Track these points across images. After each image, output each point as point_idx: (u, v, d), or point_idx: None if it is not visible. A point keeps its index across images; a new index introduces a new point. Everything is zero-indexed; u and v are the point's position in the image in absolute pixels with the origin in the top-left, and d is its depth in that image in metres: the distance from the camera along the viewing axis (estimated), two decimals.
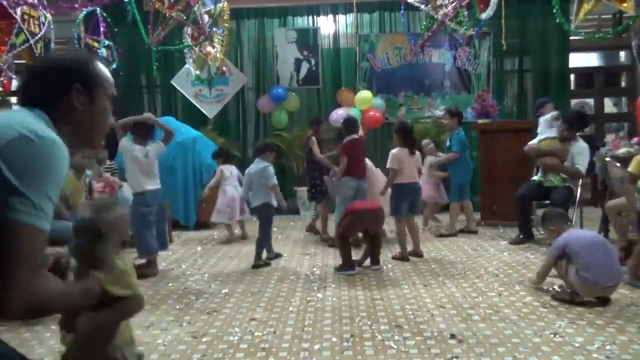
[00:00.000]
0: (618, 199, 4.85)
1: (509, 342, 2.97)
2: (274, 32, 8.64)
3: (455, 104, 7.58)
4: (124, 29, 7.08)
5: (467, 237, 6.03)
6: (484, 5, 5.88)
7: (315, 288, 4.16)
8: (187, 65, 7.49)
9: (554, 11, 5.19)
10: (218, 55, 6.93)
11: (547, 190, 5.44)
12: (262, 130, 8.78)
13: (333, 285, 4.24)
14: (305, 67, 8.62)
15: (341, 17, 8.64)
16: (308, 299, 3.89)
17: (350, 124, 5.63)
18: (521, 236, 5.63)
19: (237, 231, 6.34)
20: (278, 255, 5.25)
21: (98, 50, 6.75)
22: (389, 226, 5.82)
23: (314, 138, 6.04)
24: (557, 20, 5.31)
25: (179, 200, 6.74)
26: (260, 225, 5.03)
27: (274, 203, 5.03)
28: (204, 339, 3.13)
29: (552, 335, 3.04)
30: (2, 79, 5.37)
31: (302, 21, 8.68)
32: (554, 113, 6.09)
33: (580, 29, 5.67)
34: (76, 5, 6.30)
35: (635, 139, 6.34)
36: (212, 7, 6.26)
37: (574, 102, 9.19)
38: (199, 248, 5.91)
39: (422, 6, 6.29)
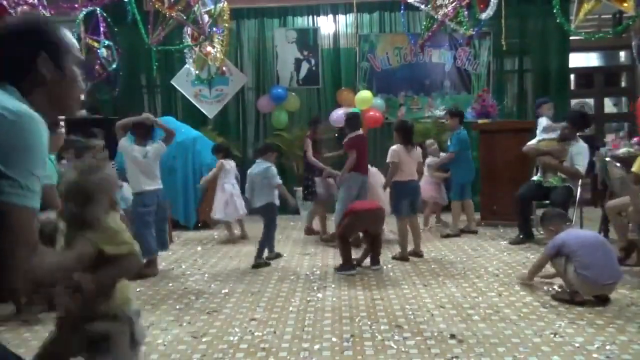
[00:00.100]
0: (618, 199, 4.84)
1: (509, 342, 2.98)
2: (274, 32, 8.63)
3: (456, 104, 7.57)
4: (124, 29, 7.08)
5: (467, 237, 6.03)
6: (484, 5, 5.89)
7: (315, 288, 4.16)
8: (187, 65, 7.49)
9: (554, 11, 5.19)
10: (218, 55, 6.93)
11: (547, 190, 5.44)
12: (262, 130, 8.77)
13: (333, 285, 4.24)
14: (305, 67, 8.62)
15: (341, 17, 8.63)
16: (308, 299, 3.89)
17: (354, 120, 5.70)
18: (521, 236, 5.63)
19: (236, 231, 6.34)
20: (278, 255, 5.25)
21: (98, 50, 6.75)
22: (389, 226, 5.82)
23: (309, 140, 6.12)
24: (557, 20, 5.31)
25: (179, 200, 6.76)
26: (265, 226, 5.05)
27: (277, 202, 5.05)
28: (204, 339, 3.14)
29: (552, 335, 3.04)
30: None
31: (302, 21, 8.67)
32: (549, 124, 6.10)
33: (580, 29, 5.67)
34: (76, 5, 6.30)
35: (635, 139, 6.35)
36: (212, 7, 6.26)
37: (574, 102, 9.18)
38: (199, 248, 5.91)
39: (422, 6, 6.29)
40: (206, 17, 6.15)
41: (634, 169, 4.16)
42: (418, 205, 5.34)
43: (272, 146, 5.46)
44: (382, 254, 4.88)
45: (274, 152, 5.27)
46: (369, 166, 5.86)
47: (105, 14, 6.67)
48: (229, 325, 3.37)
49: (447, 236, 6.08)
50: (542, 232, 4.89)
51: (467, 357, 2.79)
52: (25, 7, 5.17)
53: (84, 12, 6.38)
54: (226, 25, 6.69)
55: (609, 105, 9.85)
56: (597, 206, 6.69)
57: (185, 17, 5.90)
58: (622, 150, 5.99)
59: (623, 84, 9.69)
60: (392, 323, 3.32)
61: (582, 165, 5.32)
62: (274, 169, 5.00)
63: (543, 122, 6.22)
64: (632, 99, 8.77)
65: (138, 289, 4.15)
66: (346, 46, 8.62)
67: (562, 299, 3.63)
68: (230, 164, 6.23)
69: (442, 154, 6.54)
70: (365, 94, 8.08)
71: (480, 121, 7.04)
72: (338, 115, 7.65)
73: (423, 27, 6.80)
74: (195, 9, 5.85)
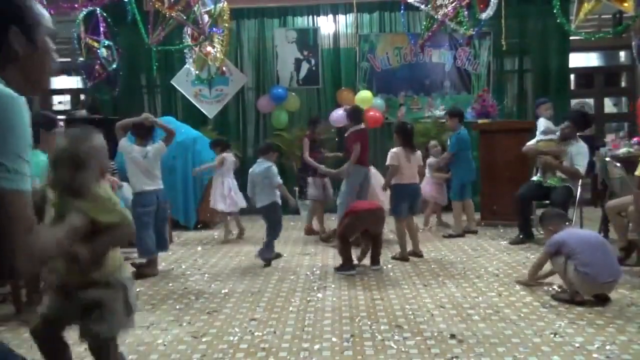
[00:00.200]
0: (618, 199, 4.84)
1: (509, 342, 2.98)
2: (274, 32, 8.63)
3: (455, 104, 7.58)
4: (124, 29, 7.09)
5: (467, 237, 6.03)
6: (484, 5, 5.89)
7: (315, 288, 4.16)
8: (187, 65, 7.50)
9: (554, 11, 5.19)
10: (218, 55, 6.93)
11: (547, 190, 5.44)
12: (262, 130, 8.78)
13: (333, 285, 4.23)
14: (305, 67, 8.62)
15: (341, 17, 8.63)
16: (308, 299, 3.89)
17: (356, 113, 5.76)
18: (521, 236, 5.63)
19: (234, 231, 6.35)
20: (278, 255, 5.25)
21: (98, 50, 6.76)
22: (389, 226, 5.83)
23: (307, 139, 6.17)
24: (557, 20, 5.32)
25: (179, 200, 6.76)
26: (268, 227, 5.05)
27: (280, 201, 5.06)
28: (204, 339, 3.13)
29: (552, 335, 3.04)
30: None
31: (302, 21, 8.68)
32: (548, 128, 6.08)
33: (580, 29, 5.68)
34: (76, 5, 6.31)
35: (635, 139, 6.34)
36: (212, 7, 6.26)
37: (574, 102, 9.18)
38: (199, 248, 5.91)
39: (422, 6, 6.29)
40: (206, 17, 6.15)
41: (637, 172, 4.13)
42: (418, 207, 5.35)
43: (274, 146, 5.48)
44: (382, 254, 4.88)
45: (275, 152, 5.29)
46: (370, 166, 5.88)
47: (105, 14, 6.67)
48: (229, 325, 3.37)
49: (450, 237, 6.08)
50: (542, 232, 4.89)
51: (467, 357, 2.79)
52: None
53: (84, 12, 6.39)
54: (226, 25, 6.69)
55: (609, 105, 9.86)
56: (597, 206, 6.70)
57: (185, 17, 5.90)
58: (622, 150, 5.99)
59: (623, 84, 9.69)
60: (392, 323, 3.32)
61: (582, 165, 5.32)
62: (274, 169, 5.01)
63: (542, 123, 6.22)
64: (632, 99, 8.79)
65: (138, 289, 4.14)
66: (346, 46, 8.62)
67: (562, 299, 3.63)
68: (230, 157, 6.26)
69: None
70: (365, 94, 8.09)
71: (480, 121, 7.04)
72: (338, 115, 7.65)
73: (423, 27, 6.80)
74: (195, 9, 5.85)
